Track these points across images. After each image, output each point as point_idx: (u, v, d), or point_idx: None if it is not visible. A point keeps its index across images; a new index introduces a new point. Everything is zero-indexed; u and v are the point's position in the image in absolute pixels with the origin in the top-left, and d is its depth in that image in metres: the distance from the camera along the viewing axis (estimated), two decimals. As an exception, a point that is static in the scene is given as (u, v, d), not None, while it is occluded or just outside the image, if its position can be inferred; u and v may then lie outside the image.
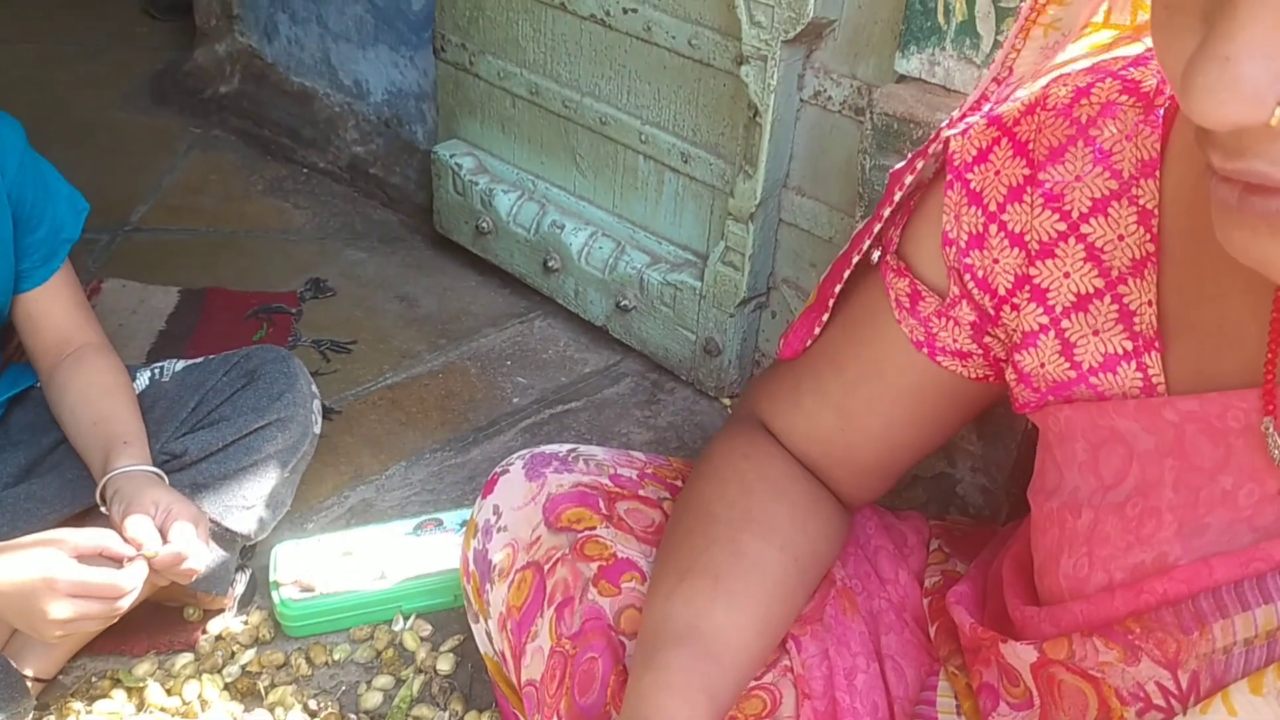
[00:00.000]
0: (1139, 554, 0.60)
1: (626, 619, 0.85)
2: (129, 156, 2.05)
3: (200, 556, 0.97)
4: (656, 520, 0.89)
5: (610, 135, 1.47)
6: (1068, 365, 0.64)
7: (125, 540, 0.93)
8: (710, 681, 0.69)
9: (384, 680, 1.07)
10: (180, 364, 1.17)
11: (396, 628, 1.12)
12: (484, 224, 1.64)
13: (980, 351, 0.71)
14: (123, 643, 1.08)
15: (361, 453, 1.37)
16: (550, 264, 1.57)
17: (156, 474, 1.03)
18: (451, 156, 1.67)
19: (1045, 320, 0.65)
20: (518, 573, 0.92)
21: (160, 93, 2.30)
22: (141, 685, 1.04)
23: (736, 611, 0.72)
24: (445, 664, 1.08)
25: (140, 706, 1.02)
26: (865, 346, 0.76)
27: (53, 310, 1.12)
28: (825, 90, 1.23)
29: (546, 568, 0.91)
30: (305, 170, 2.04)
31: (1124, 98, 0.61)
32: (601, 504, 0.91)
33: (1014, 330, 0.67)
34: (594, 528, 0.90)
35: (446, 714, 1.04)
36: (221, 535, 1.07)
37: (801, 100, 1.25)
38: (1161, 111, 0.60)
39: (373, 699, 1.05)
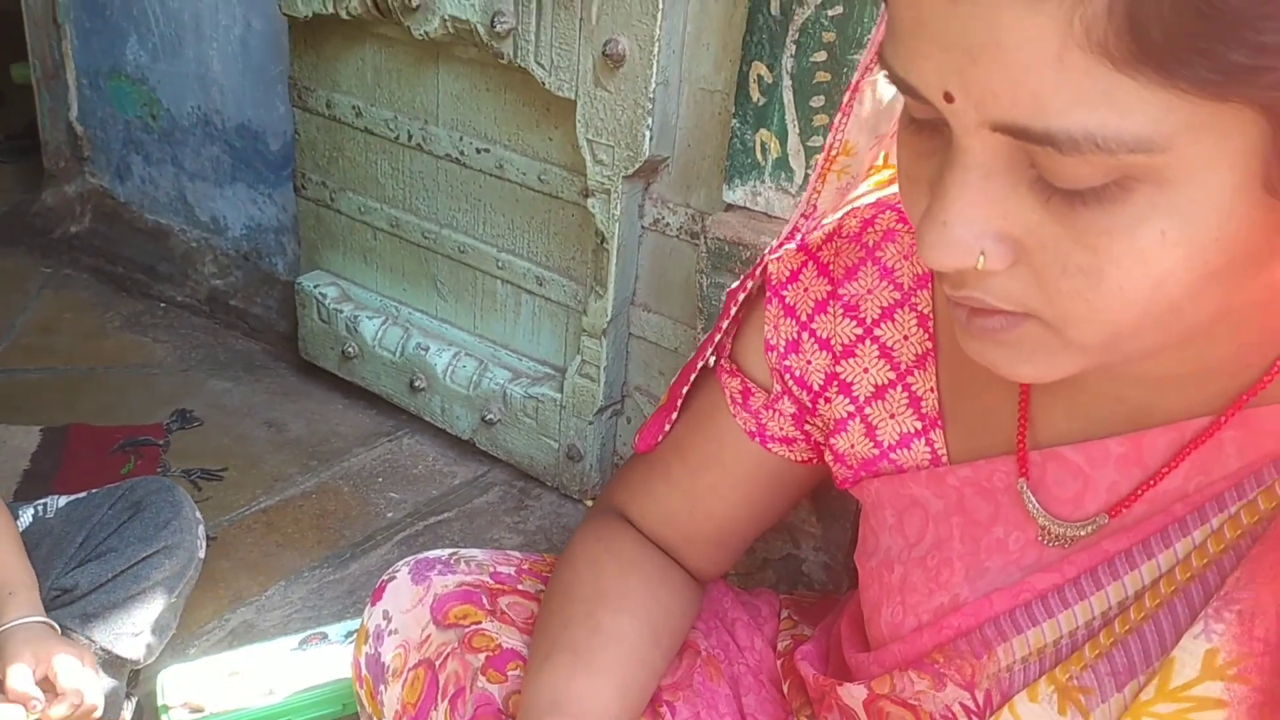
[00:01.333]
0: (939, 597, 0.73)
1: (514, 703, 0.93)
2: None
3: (95, 691, 1.01)
4: (535, 611, 0.99)
5: (469, 263, 1.59)
6: (872, 445, 0.78)
7: (13, 699, 0.96)
8: None
9: (278, 792, 1.10)
10: (63, 499, 1.21)
11: (288, 742, 1.16)
12: (350, 349, 1.72)
13: (803, 438, 0.84)
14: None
15: (240, 576, 1.41)
16: (416, 384, 1.66)
17: (47, 624, 1.06)
18: (315, 286, 1.75)
19: (852, 409, 0.78)
20: (410, 671, 0.99)
21: (8, 234, 2.30)
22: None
23: (595, 679, 0.81)
24: (338, 771, 1.13)
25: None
26: (707, 439, 0.88)
27: None
28: (664, 218, 1.38)
29: (438, 663, 0.98)
30: (163, 305, 2.07)
31: (900, 225, 0.77)
32: (485, 600, 1.00)
33: (828, 419, 0.81)
34: (479, 622, 0.98)
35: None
36: (111, 662, 1.11)
37: (643, 227, 1.40)
38: None
39: (269, 811, 1.08)
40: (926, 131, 0.53)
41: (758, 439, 0.85)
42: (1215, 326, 0.55)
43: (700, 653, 0.98)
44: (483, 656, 0.95)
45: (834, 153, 0.78)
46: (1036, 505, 0.68)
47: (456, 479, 1.62)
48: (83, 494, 1.21)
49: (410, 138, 1.57)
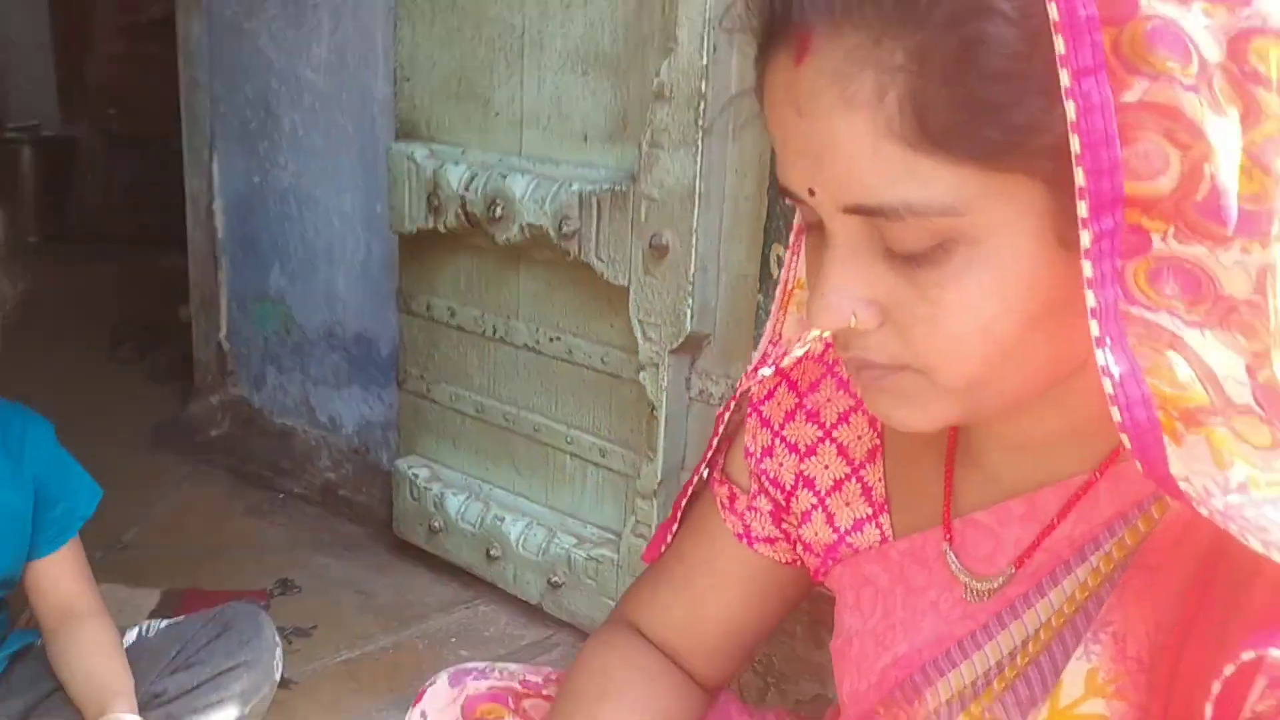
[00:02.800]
0: (884, 659, 0.82)
1: (529, 786, 1.04)
2: (126, 491, 2.30)
3: None
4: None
5: (542, 440, 1.77)
6: (831, 531, 0.90)
7: None
8: None
9: None
10: (164, 622, 1.38)
11: None
12: (435, 524, 1.90)
13: (783, 536, 0.96)
14: None
15: (314, 714, 1.53)
16: (493, 553, 1.81)
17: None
18: (409, 469, 1.95)
19: (815, 501, 0.91)
20: (442, 760, 1.10)
21: (159, 440, 2.60)
22: None
23: None
24: None
25: None
26: (701, 544, 1.01)
27: (60, 576, 1.33)
28: (707, 389, 1.55)
29: (466, 752, 1.09)
30: (282, 495, 2.30)
31: None
32: (510, 700, 1.11)
33: (797, 513, 0.93)
34: (502, 717, 1.10)
35: None
36: (189, 762, 1.24)
37: (690, 398, 1.56)
38: None
39: None
40: (814, 231, 0.69)
41: (745, 540, 0.97)
42: (1074, 385, 0.68)
43: (706, 752, 1.06)
44: (507, 747, 1.07)
45: (789, 287, 0.95)
46: (959, 566, 0.79)
47: (524, 640, 1.73)
48: (181, 618, 1.38)
49: (495, 331, 1.80)
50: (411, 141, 1.84)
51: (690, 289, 1.47)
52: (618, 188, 1.54)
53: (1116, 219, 0.54)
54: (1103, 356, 0.56)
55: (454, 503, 1.87)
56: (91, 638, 1.30)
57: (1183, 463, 0.56)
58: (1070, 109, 0.53)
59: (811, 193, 0.63)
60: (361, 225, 2.13)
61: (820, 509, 0.90)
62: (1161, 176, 0.54)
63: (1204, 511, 0.56)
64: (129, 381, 3.03)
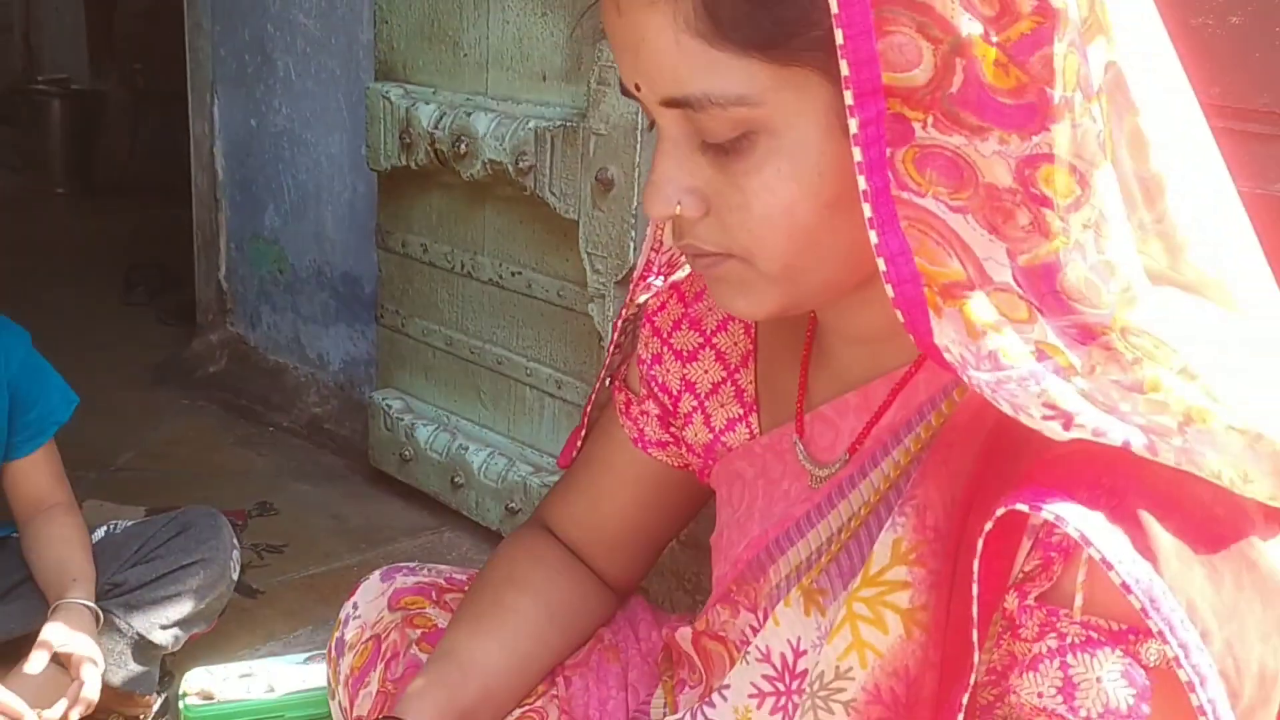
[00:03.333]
0: (741, 544, 0.89)
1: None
2: (123, 421, 2.41)
3: (94, 683, 1.24)
4: None
5: (505, 372, 1.84)
6: (709, 432, 0.96)
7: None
8: (452, 687, 0.95)
9: (261, 768, 1.28)
10: (129, 523, 1.47)
11: (280, 733, 1.34)
12: (406, 453, 1.98)
13: (672, 440, 1.02)
14: (48, 741, 1.30)
15: (277, 620, 1.62)
16: (457, 480, 1.88)
17: (92, 608, 1.30)
18: (384, 400, 2.03)
19: (695, 404, 0.97)
20: (362, 644, 1.18)
21: (160, 376, 2.70)
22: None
23: (486, 639, 0.99)
24: (313, 757, 1.29)
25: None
26: (603, 447, 1.07)
27: (34, 475, 1.42)
28: (653, 321, 1.60)
29: (383, 636, 1.17)
30: (271, 429, 2.40)
31: None
32: (434, 594, 1.19)
33: (681, 415, 0.99)
34: (424, 608, 1.17)
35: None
36: (143, 646, 1.33)
37: (636, 329, 1.62)
38: None
39: (249, 780, 1.26)
40: (654, 128, 0.75)
41: (639, 445, 1.03)
42: (880, 280, 0.74)
43: (603, 641, 1.14)
44: (419, 631, 1.14)
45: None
46: (805, 455, 0.85)
47: (481, 564, 1.81)
48: (145, 519, 1.47)
49: (462, 267, 1.87)
50: (388, 82, 1.91)
51: (633, 222, 1.53)
52: (569, 124, 1.60)
53: (879, 108, 0.60)
54: (875, 236, 0.61)
55: (424, 433, 1.95)
56: (60, 530, 1.39)
57: (943, 333, 0.62)
58: (833, 2, 0.58)
59: (637, 88, 0.69)
60: (348, 166, 2.20)
61: (700, 411, 0.97)
62: (916, 68, 0.59)
63: (967, 379, 0.61)
64: (139, 323, 3.14)
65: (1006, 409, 0.61)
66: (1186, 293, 0.66)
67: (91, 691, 1.23)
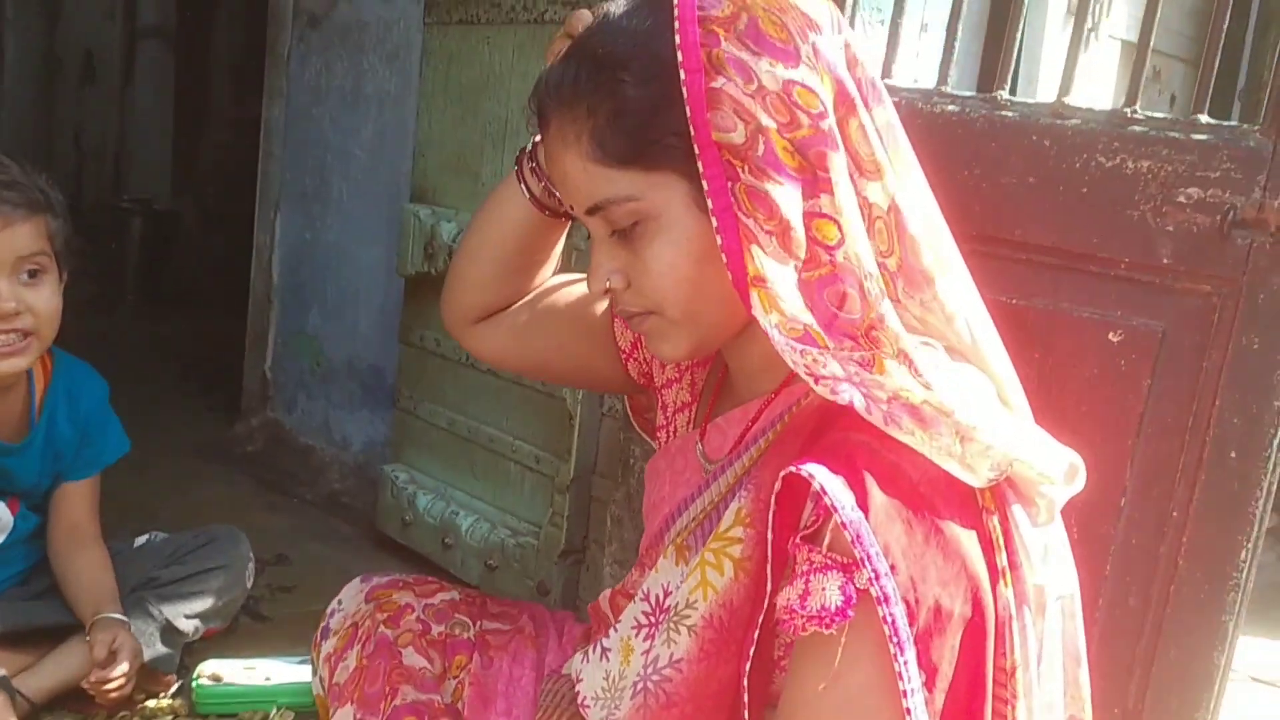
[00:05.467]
0: (655, 521, 1.19)
1: (402, 640, 1.41)
2: (166, 485, 2.73)
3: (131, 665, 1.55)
4: (441, 594, 1.47)
5: (494, 449, 2.16)
6: (662, 415, 1.27)
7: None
8: None
9: (254, 740, 1.56)
10: (165, 535, 1.80)
11: (271, 714, 1.61)
12: (408, 518, 2.28)
13: (646, 373, 1.31)
14: (86, 706, 1.59)
15: (280, 642, 1.90)
16: (447, 541, 2.18)
17: (121, 620, 1.61)
18: (393, 472, 2.36)
19: (672, 377, 1.28)
20: (343, 630, 1.48)
21: (204, 453, 3.04)
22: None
23: None
24: (297, 733, 1.57)
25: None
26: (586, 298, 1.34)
27: (78, 501, 1.73)
28: (615, 406, 1.93)
29: (360, 624, 1.47)
30: (295, 500, 2.71)
31: None
32: (402, 584, 1.49)
33: (660, 381, 1.29)
34: (391, 595, 1.47)
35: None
36: (171, 632, 1.63)
37: (601, 413, 1.95)
38: None
39: (244, 749, 1.54)
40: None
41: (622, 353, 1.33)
42: (754, 325, 1.07)
43: (524, 633, 1.43)
44: (385, 614, 1.45)
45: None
46: (702, 453, 1.16)
47: (460, 611, 2.08)
48: (178, 533, 1.80)
49: (466, 359, 2.21)
50: (420, 204, 2.30)
51: (604, 322, 1.87)
52: (557, 241, 1.96)
53: (714, 155, 0.93)
54: (720, 241, 0.93)
55: (423, 501, 2.26)
56: (93, 557, 1.70)
57: (756, 308, 0.93)
58: (686, 94, 0.93)
59: (572, 208, 1.05)
60: (383, 274, 2.58)
61: (671, 387, 1.28)
62: (733, 134, 0.94)
63: (773, 341, 0.92)
64: (191, 411, 3.51)
65: (790, 361, 0.92)
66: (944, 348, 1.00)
67: (133, 663, 1.53)
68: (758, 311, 0.94)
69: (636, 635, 1.14)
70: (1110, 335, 1.27)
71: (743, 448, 1.11)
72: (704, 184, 0.95)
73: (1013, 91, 1.36)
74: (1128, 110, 1.26)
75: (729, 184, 0.95)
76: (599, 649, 1.21)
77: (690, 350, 1.09)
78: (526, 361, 1.40)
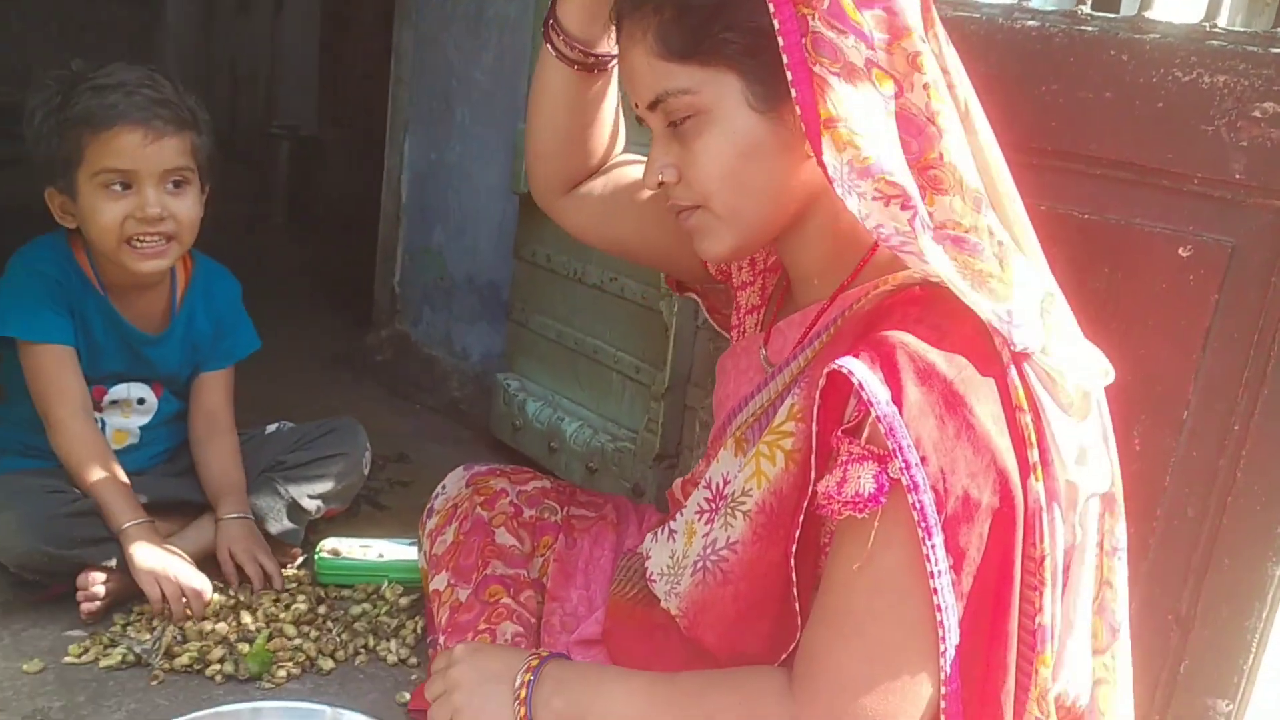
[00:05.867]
0: (722, 415, 1.29)
1: (496, 521, 1.54)
2: (302, 389, 2.94)
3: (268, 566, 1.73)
4: (533, 482, 1.60)
5: (598, 359, 2.27)
6: (734, 315, 1.37)
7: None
8: None
9: (365, 605, 1.72)
10: (290, 425, 1.98)
11: (383, 587, 1.78)
12: (518, 423, 2.42)
13: (723, 279, 1.42)
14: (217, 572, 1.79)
15: (395, 528, 2.07)
16: (553, 445, 2.32)
17: (244, 517, 1.78)
18: (506, 381, 2.50)
19: (749, 279, 1.37)
20: (445, 509, 1.62)
21: (337, 361, 3.26)
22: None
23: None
24: (404, 601, 1.73)
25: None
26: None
27: (214, 390, 1.90)
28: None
29: (460, 504, 1.61)
30: (419, 407, 2.89)
31: None
32: (500, 472, 1.62)
33: (736, 283, 1.39)
34: (489, 480, 1.61)
35: (395, 621, 1.68)
36: (296, 509, 1.81)
37: (696, 325, 2.03)
38: None
39: (356, 609, 1.70)
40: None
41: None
42: (807, 229, 1.14)
43: (608, 519, 1.55)
44: (482, 497, 1.58)
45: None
46: (765, 356, 1.25)
47: (562, 509, 2.22)
48: (304, 424, 1.98)
49: (574, 274, 2.32)
50: (533, 125, 2.39)
51: (699, 237, 1.94)
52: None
53: (788, 11, 0.99)
54: (794, 91, 1.00)
55: (532, 407, 2.40)
56: (223, 445, 1.88)
57: (828, 151, 0.99)
58: None
59: (636, 105, 1.14)
60: (501, 195, 2.71)
61: (745, 289, 1.37)
62: None
63: (841, 195, 0.99)
64: (328, 322, 3.74)
65: (854, 209, 0.98)
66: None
67: (269, 568, 1.73)
68: (829, 155, 0.98)
69: (699, 519, 1.25)
70: (1180, 250, 1.29)
71: (799, 350, 1.19)
72: (781, 40, 0.99)
73: (1094, 7, 1.37)
74: (1206, 25, 1.26)
75: (801, 38, 1.00)
76: (667, 530, 1.32)
77: (733, 248, 1.16)
78: (607, 240, 1.49)
